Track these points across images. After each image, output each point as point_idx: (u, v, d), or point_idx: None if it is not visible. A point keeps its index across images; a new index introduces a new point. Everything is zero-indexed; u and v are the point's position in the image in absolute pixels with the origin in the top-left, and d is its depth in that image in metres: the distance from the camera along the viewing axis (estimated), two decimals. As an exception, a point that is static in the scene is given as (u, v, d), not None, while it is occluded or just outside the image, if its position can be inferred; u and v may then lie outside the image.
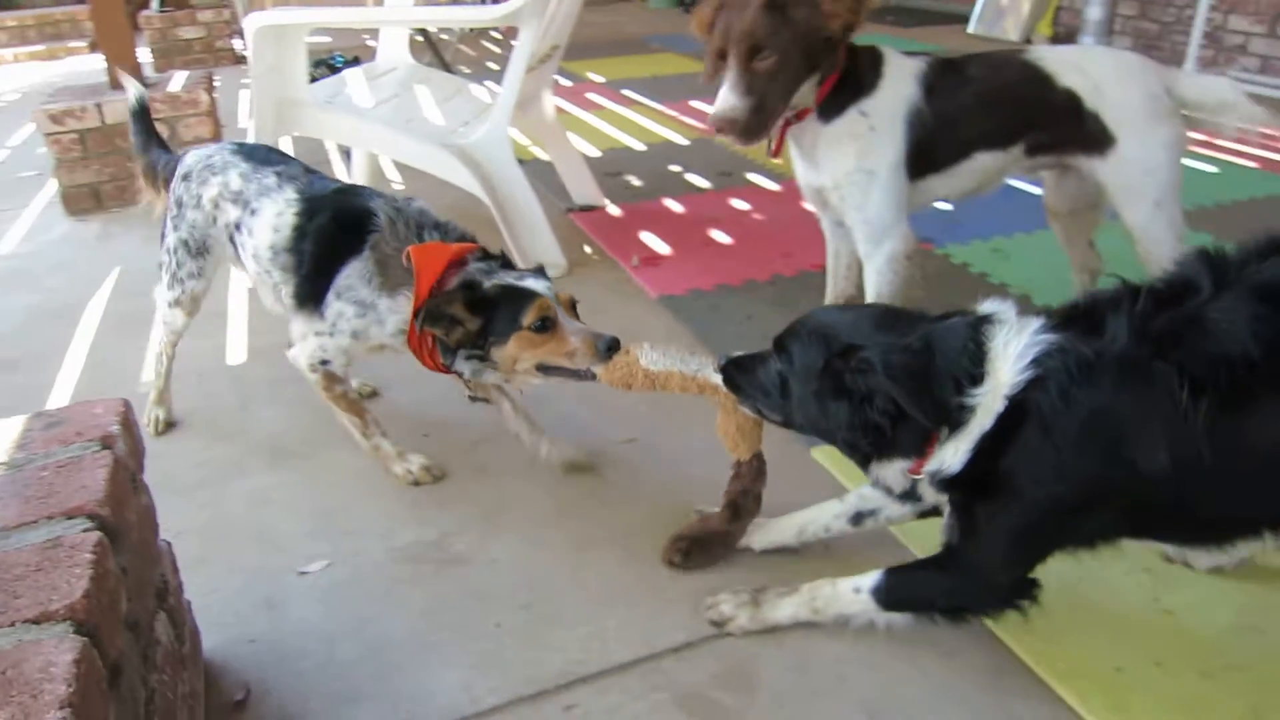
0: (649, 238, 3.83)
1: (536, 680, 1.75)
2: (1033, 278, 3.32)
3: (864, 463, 1.69)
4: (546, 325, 1.99)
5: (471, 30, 9.17)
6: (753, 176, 4.52)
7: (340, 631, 1.88)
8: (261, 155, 2.34)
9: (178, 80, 4.75)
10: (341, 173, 4.93)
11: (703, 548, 2.01)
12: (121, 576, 1.29)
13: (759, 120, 2.19)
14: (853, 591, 1.78)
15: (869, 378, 1.55)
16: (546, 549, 2.09)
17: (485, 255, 2.13)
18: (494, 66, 7.70)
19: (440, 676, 1.76)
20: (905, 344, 1.55)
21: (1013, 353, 1.51)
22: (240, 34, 8.65)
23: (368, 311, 2.12)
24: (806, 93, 2.24)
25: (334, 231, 2.13)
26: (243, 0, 8.78)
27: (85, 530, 1.25)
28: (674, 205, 4.23)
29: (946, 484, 1.61)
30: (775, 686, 1.72)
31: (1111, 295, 1.54)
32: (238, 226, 2.27)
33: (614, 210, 4.18)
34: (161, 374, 2.58)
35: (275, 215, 2.20)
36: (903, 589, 1.76)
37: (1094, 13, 6.57)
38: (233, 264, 2.45)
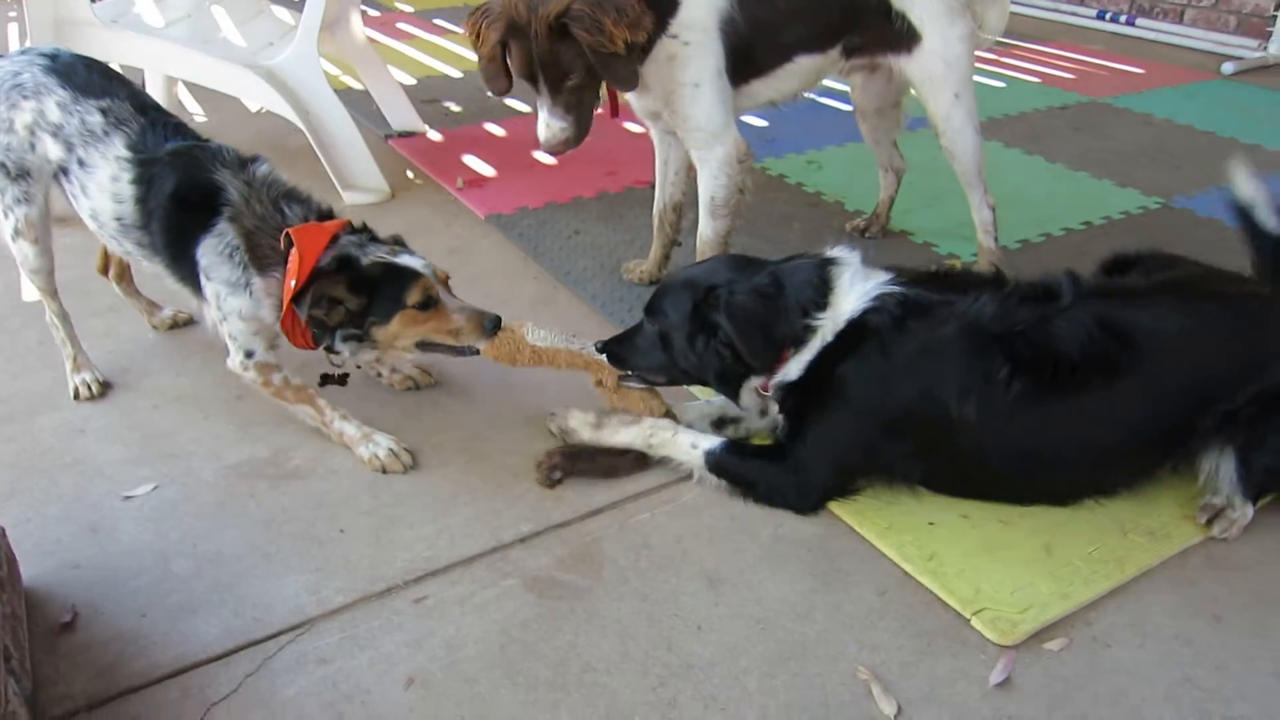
0: (473, 160, 3.78)
1: (384, 577, 1.75)
2: (843, 185, 3.50)
3: (734, 394, 1.95)
4: (429, 303, 1.97)
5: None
6: (574, 102, 4.52)
7: (173, 550, 1.82)
8: (80, 78, 2.08)
9: (-66, 4, 4.27)
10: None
11: (572, 460, 2.02)
12: (-75, 480, 1.21)
13: (582, 130, 2.27)
14: (690, 446, 1.95)
15: (716, 312, 1.81)
16: (387, 457, 2.08)
17: (352, 229, 2.05)
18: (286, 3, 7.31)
19: (284, 582, 1.74)
20: (755, 283, 1.83)
21: (858, 290, 1.82)
22: (4, -38, 7.83)
23: (240, 290, 1.99)
24: None
25: (180, 211, 1.98)
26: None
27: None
28: (495, 129, 4.18)
29: (783, 391, 1.89)
30: (619, 564, 1.79)
31: (988, 275, 1.92)
32: (64, 171, 2.07)
33: (434, 135, 4.10)
34: (63, 335, 2.30)
35: (111, 180, 2.01)
36: (733, 465, 1.93)
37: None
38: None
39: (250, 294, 1.99)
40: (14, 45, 5.86)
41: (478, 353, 2.03)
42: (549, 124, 2.22)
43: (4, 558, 1.61)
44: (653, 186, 3.45)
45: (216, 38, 3.42)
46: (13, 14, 6.85)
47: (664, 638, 1.62)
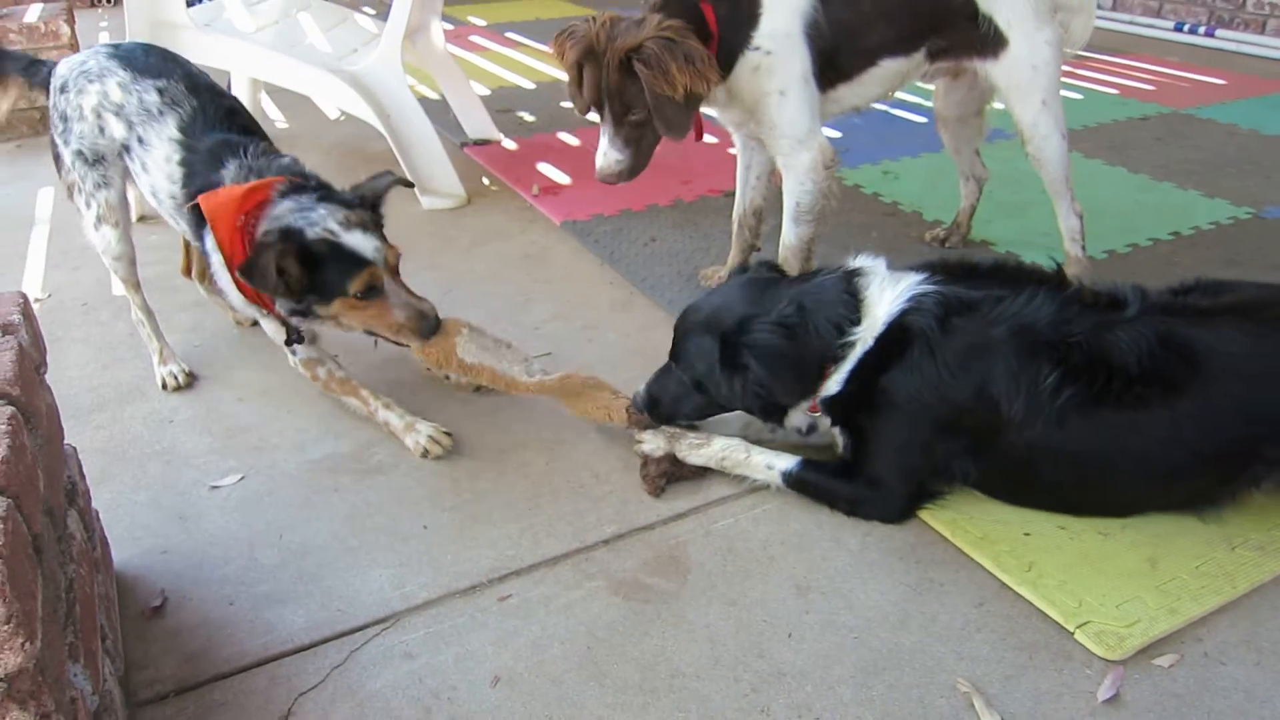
0: (547, 168, 3.80)
1: (469, 575, 1.74)
2: (920, 195, 3.44)
3: (780, 421, 1.92)
4: (372, 293, 1.92)
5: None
6: (646, 112, 4.52)
7: (259, 540, 1.82)
8: (140, 61, 2.16)
9: (33, 11, 4.43)
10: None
11: (677, 464, 1.98)
12: (38, 456, 1.23)
13: (639, 164, 2.30)
14: (765, 466, 1.91)
15: (744, 354, 1.76)
16: (469, 456, 2.07)
17: (295, 185, 1.96)
18: (369, 10, 7.45)
19: (369, 576, 1.74)
20: (779, 316, 1.77)
21: (889, 294, 1.77)
22: (93, -23, 8.11)
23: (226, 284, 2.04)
24: None
25: (195, 210, 2.02)
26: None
27: (-4, 407, 1.18)
28: (569, 138, 4.20)
29: (829, 405, 1.85)
30: (706, 568, 1.75)
31: (1044, 270, 1.84)
32: (126, 149, 2.12)
33: (509, 144, 4.13)
34: (149, 330, 2.34)
35: (165, 160, 2.06)
36: (812, 483, 1.90)
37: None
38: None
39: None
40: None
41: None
42: (607, 153, 2.26)
43: (98, 540, 1.63)
44: (728, 194, 3.44)
45: (303, 43, 3.48)
46: (104, 23, 7.09)
47: (754, 644, 1.58)
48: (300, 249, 1.83)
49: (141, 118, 2.08)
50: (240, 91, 4.08)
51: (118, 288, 2.78)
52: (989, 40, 2.37)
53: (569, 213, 3.33)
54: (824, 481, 1.89)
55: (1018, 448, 1.76)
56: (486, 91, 4.88)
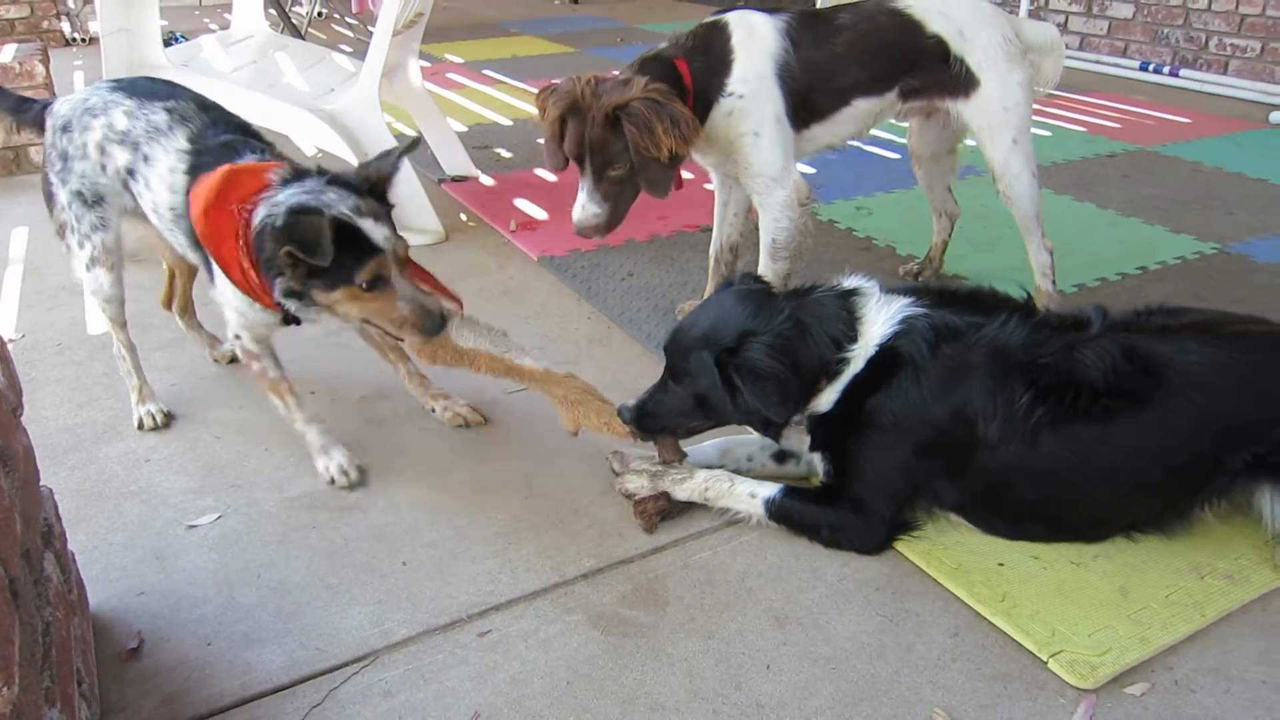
0: (524, 204, 3.83)
1: (448, 610, 1.74)
2: (894, 231, 3.50)
3: (778, 437, 1.91)
4: (379, 284, 1.83)
5: (321, 14, 8.92)
6: (622, 148, 4.57)
7: (237, 579, 1.82)
8: (145, 88, 2.12)
9: (7, 51, 4.44)
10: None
11: (671, 501, 1.98)
12: (15, 499, 1.23)
13: (615, 218, 2.35)
14: (748, 495, 1.92)
15: (740, 373, 1.78)
16: (447, 492, 2.08)
17: (298, 173, 1.88)
18: (346, 49, 7.51)
19: (347, 613, 1.73)
20: (777, 331, 1.79)
21: (884, 315, 1.81)
22: (68, 15, 8.14)
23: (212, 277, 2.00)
24: None
25: None
26: (69, -20, 8.26)
27: (-28, 450, 1.18)
28: (546, 175, 4.23)
29: (815, 423, 1.88)
30: (685, 601, 1.76)
31: (1020, 301, 1.89)
32: (131, 173, 2.06)
33: (486, 180, 4.16)
34: (129, 366, 2.33)
35: (169, 171, 1.99)
36: (794, 510, 1.91)
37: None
38: (130, 215, 2.22)
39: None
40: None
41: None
42: (585, 206, 2.30)
43: (74, 583, 1.62)
44: (704, 230, 3.49)
45: (281, 82, 3.50)
46: (78, 62, 7.10)
47: (732, 676, 1.59)
48: (336, 224, 1.72)
49: (148, 135, 2.02)
50: (218, 129, 4.09)
51: (93, 327, 2.78)
52: (961, 81, 2.43)
53: (546, 248, 3.36)
54: (806, 509, 1.90)
55: (993, 469, 1.80)
56: (464, 128, 4.92)
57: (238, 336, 2.06)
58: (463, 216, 3.74)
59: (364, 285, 1.81)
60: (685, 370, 1.86)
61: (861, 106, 2.43)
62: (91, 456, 2.20)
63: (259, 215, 1.80)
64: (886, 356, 1.80)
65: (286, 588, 1.80)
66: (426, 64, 6.59)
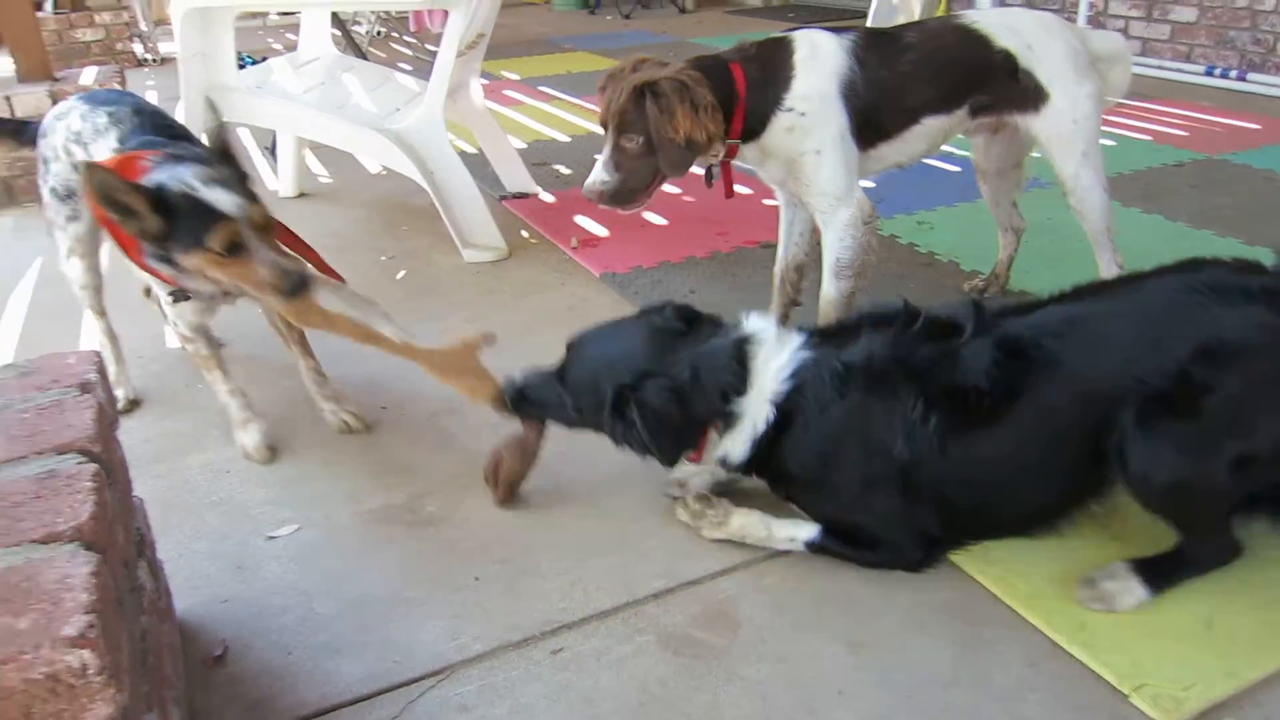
0: (584, 221, 3.87)
1: (521, 627, 1.76)
2: (956, 245, 3.47)
3: (666, 464, 1.97)
4: (236, 250, 1.93)
5: (380, 33, 9.09)
6: (681, 165, 4.60)
7: (316, 590, 1.86)
8: (101, 97, 2.37)
9: (88, 75, 4.60)
10: (264, 168, 4.84)
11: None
12: (118, 511, 1.27)
13: (626, 193, 2.36)
14: (788, 539, 1.93)
15: (646, 414, 1.84)
16: (517, 509, 2.10)
17: (171, 158, 2.00)
18: (406, 67, 7.64)
19: (423, 627, 1.76)
20: (672, 378, 1.86)
21: (773, 366, 1.86)
22: (140, 37, 8.40)
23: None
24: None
25: None
26: (142, 4, 8.53)
27: (80, 464, 1.23)
28: (606, 192, 4.26)
29: (742, 469, 1.95)
30: (756, 624, 1.76)
31: (887, 313, 1.91)
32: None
33: (546, 197, 4.21)
34: (110, 352, 2.53)
35: None
36: (833, 551, 1.92)
37: (985, 3, 6.90)
38: None
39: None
40: (151, 112, 6.24)
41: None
42: (596, 172, 2.35)
43: (163, 590, 1.67)
44: (765, 246, 3.49)
45: (349, 103, 3.58)
46: (150, 82, 7.31)
47: (805, 702, 1.59)
48: (149, 194, 1.87)
49: (93, 135, 2.27)
50: (286, 149, 4.20)
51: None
52: (1030, 95, 2.41)
53: (608, 265, 3.39)
54: (843, 549, 1.91)
55: (928, 486, 1.82)
56: (522, 145, 4.98)
57: (175, 323, 2.25)
58: (524, 233, 3.79)
59: (220, 250, 1.91)
60: (579, 385, 1.94)
61: (931, 124, 2.42)
62: (175, 466, 2.26)
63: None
64: (785, 410, 1.85)
65: (364, 600, 1.83)
66: (484, 81, 6.69)
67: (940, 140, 2.50)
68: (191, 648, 1.71)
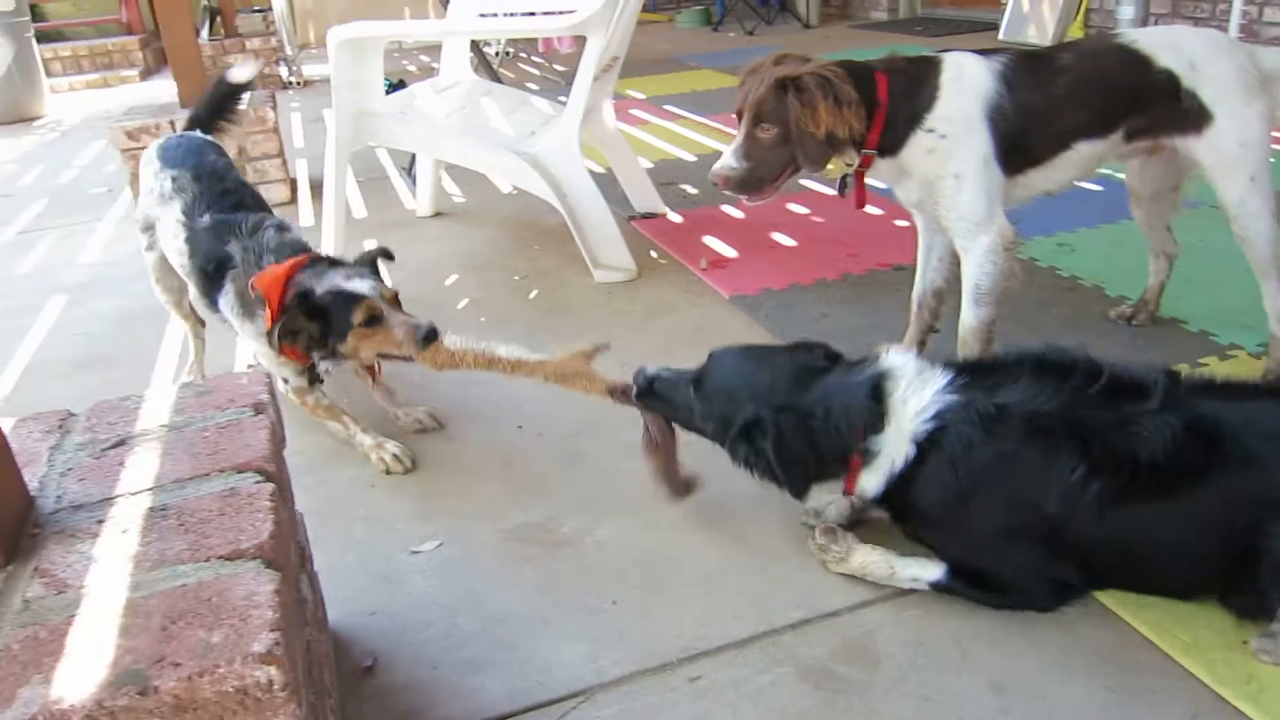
0: (713, 242, 3.88)
1: (658, 653, 1.77)
2: (1101, 270, 3.33)
3: (796, 496, 1.94)
4: (374, 321, 2.23)
5: (509, 53, 9.33)
6: (807, 183, 4.57)
7: (459, 605, 1.91)
8: (171, 156, 2.64)
9: (244, 100, 4.86)
10: (401, 187, 5.03)
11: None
12: (290, 528, 1.34)
13: (754, 182, 2.36)
14: (911, 580, 1.88)
15: (763, 440, 1.85)
16: (652, 531, 2.12)
17: (314, 260, 2.32)
18: (533, 86, 7.82)
19: (563, 648, 1.79)
20: (805, 413, 1.85)
21: (913, 405, 1.82)
22: (286, 61, 8.85)
23: (252, 334, 2.40)
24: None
25: (205, 278, 2.44)
26: (288, 29, 8.99)
27: (258, 482, 1.30)
28: (733, 211, 4.27)
29: (877, 504, 1.93)
30: (896, 660, 1.73)
31: (1064, 363, 1.82)
32: (154, 225, 2.62)
33: (674, 217, 4.24)
34: (192, 347, 2.91)
35: (173, 236, 2.50)
36: (960, 592, 1.86)
37: (1127, 11, 6.62)
38: None
39: (245, 335, 2.45)
40: (297, 133, 6.58)
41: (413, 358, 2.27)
42: (724, 157, 2.36)
43: (319, 601, 1.75)
44: (897, 269, 3.43)
45: (487, 127, 3.69)
46: (294, 104, 7.70)
47: (950, 743, 1.55)
48: (307, 305, 2.21)
49: (160, 200, 2.56)
50: (425, 170, 4.36)
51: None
52: (1192, 117, 2.30)
53: (738, 287, 3.39)
54: (970, 592, 1.86)
55: (1077, 543, 1.75)
56: (649, 164, 5.03)
57: (286, 380, 2.47)
58: (653, 254, 3.82)
59: (363, 324, 2.22)
60: (713, 397, 1.96)
61: (1083, 150, 2.33)
62: (324, 479, 2.37)
63: (288, 297, 2.25)
64: (925, 449, 1.80)
65: (504, 617, 1.87)
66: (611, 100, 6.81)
67: (1093, 167, 2.41)
68: (343, 658, 1.79)
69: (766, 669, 1.72)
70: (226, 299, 2.39)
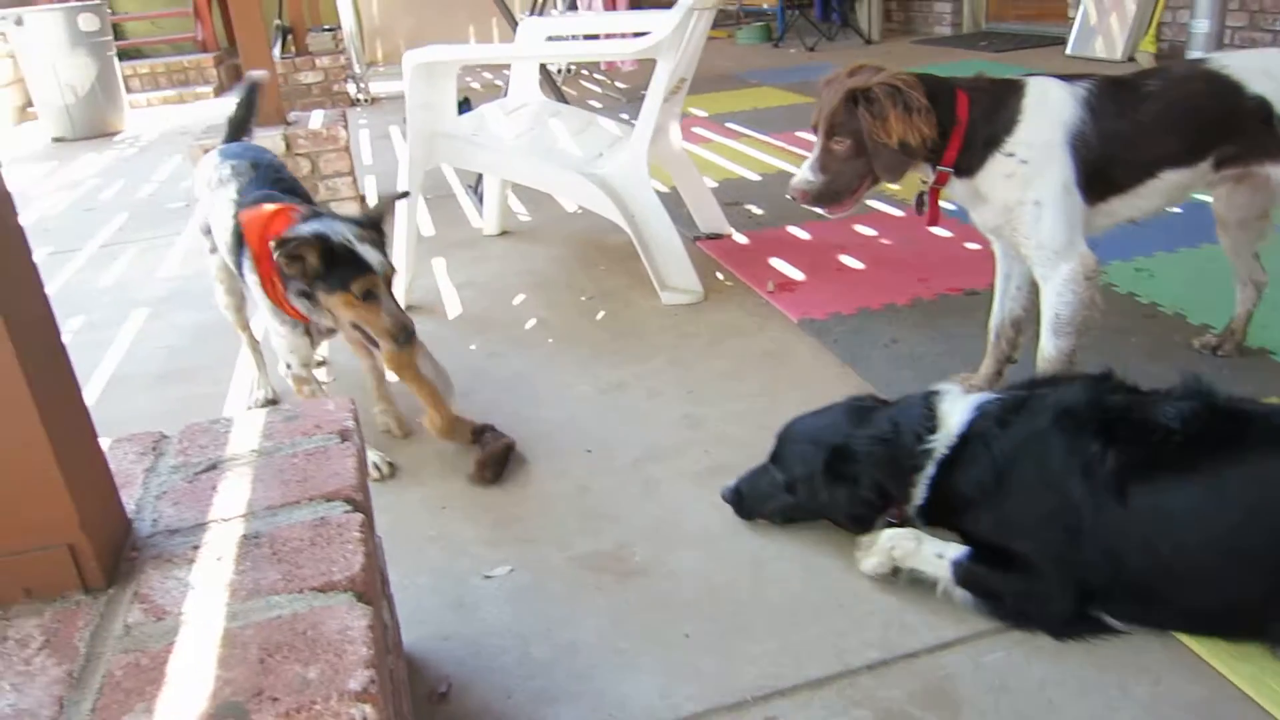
0: (779, 264, 3.85)
1: (733, 690, 1.74)
2: (1181, 296, 3.24)
3: (866, 529, 2.04)
4: (369, 297, 2.24)
5: (571, 70, 9.41)
6: (875, 203, 4.52)
7: (531, 633, 1.91)
8: (231, 150, 2.70)
9: (316, 119, 4.96)
10: (467, 205, 5.09)
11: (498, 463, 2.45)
12: (376, 557, 1.35)
13: (831, 194, 2.38)
14: (935, 556, 1.91)
15: (856, 466, 1.99)
16: (725, 562, 2.09)
17: (315, 214, 2.31)
18: (595, 104, 7.87)
19: (636, 681, 1.77)
20: (877, 431, 2.01)
21: (960, 407, 1.97)
22: (354, 78, 9.02)
23: (267, 308, 2.43)
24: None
25: (239, 238, 2.43)
26: (356, 47, 9.16)
27: (346, 512, 1.31)
28: (799, 232, 4.25)
29: (921, 515, 2.01)
30: (978, 707, 1.68)
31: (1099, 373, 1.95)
32: (209, 213, 2.64)
33: (740, 238, 4.22)
34: (253, 359, 2.98)
35: (226, 216, 2.49)
36: (980, 577, 1.88)
37: (1202, 26, 6.46)
38: None
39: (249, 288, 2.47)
40: (365, 149, 6.69)
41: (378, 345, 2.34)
42: (801, 171, 2.39)
43: (396, 625, 1.75)
44: (969, 294, 3.38)
45: (555, 148, 3.71)
46: (362, 121, 7.84)
47: (1038, 794, 1.50)
48: (323, 245, 2.19)
49: (216, 184, 2.59)
50: (492, 190, 4.41)
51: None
52: None
53: (805, 310, 3.36)
54: (992, 575, 1.86)
55: (1100, 539, 1.73)
56: (713, 184, 5.03)
57: (289, 365, 2.51)
58: (719, 275, 3.81)
59: (357, 295, 2.22)
60: (786, 458, 2.12)
61: (1170, 179, 2.28)
62: (399, 499, 2.39)
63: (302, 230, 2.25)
64: (964, 440, 1.92)
65: (576, 647, 1.87)
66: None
67: (1179, 196, 2.35)
68: (417, 682, 1.79)
69: (844, 711, 1.69)
70: (248, 261, 2.40)
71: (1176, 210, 4.03)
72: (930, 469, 1.95)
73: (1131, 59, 7.47)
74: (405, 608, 1.96)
